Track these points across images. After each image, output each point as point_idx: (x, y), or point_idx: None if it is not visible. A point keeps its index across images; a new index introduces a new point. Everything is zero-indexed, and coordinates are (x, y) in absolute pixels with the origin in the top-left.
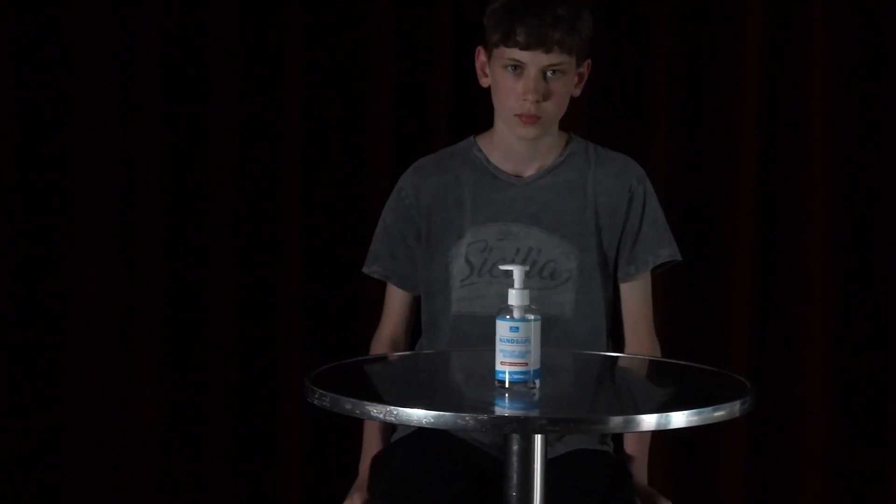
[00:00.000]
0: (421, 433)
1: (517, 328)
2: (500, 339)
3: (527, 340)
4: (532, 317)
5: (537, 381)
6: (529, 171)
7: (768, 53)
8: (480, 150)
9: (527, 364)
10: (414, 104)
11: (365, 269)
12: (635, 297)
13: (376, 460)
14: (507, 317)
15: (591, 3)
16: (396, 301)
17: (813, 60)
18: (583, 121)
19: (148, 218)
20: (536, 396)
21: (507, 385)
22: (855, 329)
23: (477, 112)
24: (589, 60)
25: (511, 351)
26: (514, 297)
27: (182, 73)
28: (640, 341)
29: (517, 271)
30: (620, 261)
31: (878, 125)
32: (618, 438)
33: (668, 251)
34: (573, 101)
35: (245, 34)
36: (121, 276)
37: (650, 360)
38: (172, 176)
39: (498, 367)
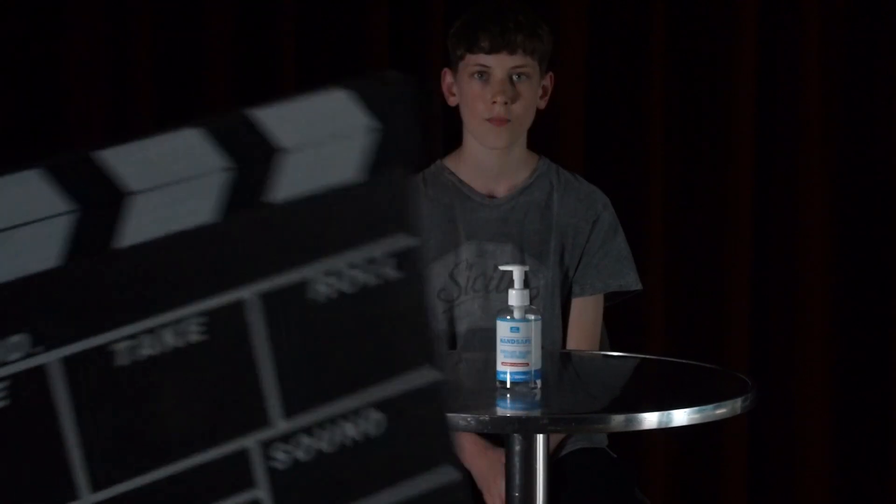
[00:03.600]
0: None
1: (518, 328)
2: (501, 340)
3: (527, 341)
4: (532, 317)
5: (538, 381)
6: (501, 191)
7: (763, 51)
8: (452, 173)
9: (528, 364)
10: None
11: None
12: (583, 316)
13: None
14: (508, 317)
15: (550, 21)
16: None
17: (808, 57)
18: (581, 120)
19: None
20: (538, 396)
21: (508, 385)
22: (855, 325)
23: None
24: (552, 73)
25: (512, 351)
26: (515, 297)
27: (178, 74)
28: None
29: (517, 271)
30: (576, 279)
31: (874, 121)
32: (618, 437)
33: (621, 283)
34: (573, 105)
35: (240, 34)
36: None
37: (650, 360)
38: None
39: (499, 367)
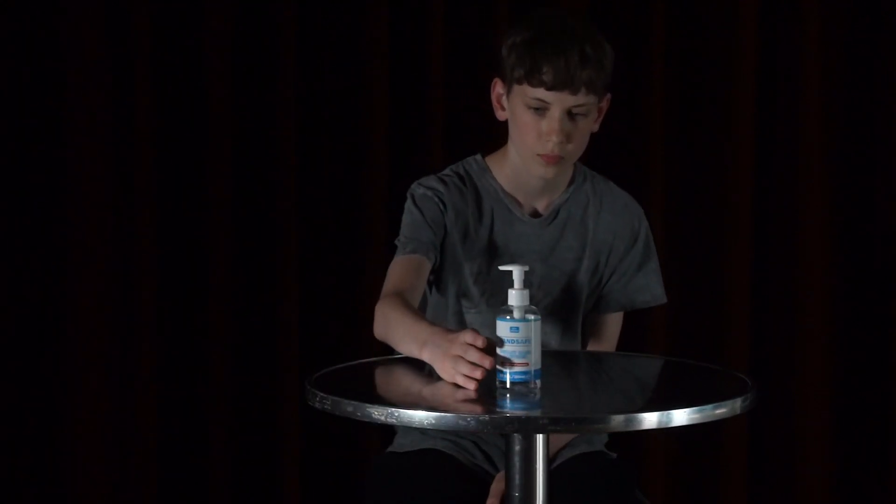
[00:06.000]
0: (418, 453)
1: (517, 328)
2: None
3: (527, 341)
4: (532, 317)
5: (538, 381)
6: (541, 205)
7: (763, 51)
8: (494, 178)
9: (528, 364)
10: (410, 105)
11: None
12: (607, 330)
13: (375, 468)
14: (508, 317)
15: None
16: (413, 268)
17: (808, 57)
18: None
19: (146, 222)
20: (537, 396)
21: (508, 385)
22: (855, 325)
23: (473, 111)
24: (609, 95)
25: (512, 351)
26: (515, 297)
27: (178, 74)
28: None
29: (517, 271)
30: (603, 295)
31: (874, 121)
32: (618, 437)
33: (647, 298)
34: None
35: (240, 35)
36: (119, 280)
37: (651, 359)
38: (170, 179)
39: (499, 367)
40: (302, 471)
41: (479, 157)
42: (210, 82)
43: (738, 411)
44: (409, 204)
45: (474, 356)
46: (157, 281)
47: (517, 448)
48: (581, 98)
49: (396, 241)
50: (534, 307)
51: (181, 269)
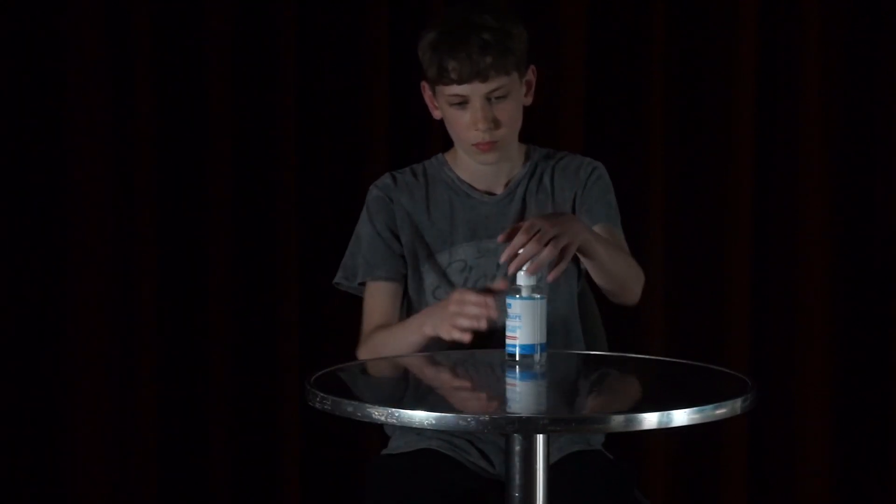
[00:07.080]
0: (417, 453)
1: (525, 306)
2: (510, 317)
3: (533, 317)
4: (538, 296)
5: (543, 355)
6: (499, 188)
7: (764, 51)
8: (451, 170)
9: (534, 339)
10: (410, 105)
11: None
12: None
13: (374, 469)
14: (516, 296)
15: (516, 12)
16: (389, 297)
17: (808, 57)
18: (581, 121)
19: (146, 222)
20: (542, 368)
21: (517, 358)
22: (855, 325)
23: None
24: (533, 66)
25: (520, 326)
26: (522, 277)
27: (178, 74)
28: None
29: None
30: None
31: (874, 121)
32: (616, 437)
33: (608, 213)
34: (573, 105)
35: (240, 35)
36: (119, 280)
37: (650, 360)
38: (170, 179)
39: (508, 341)
40: (302, 471)
41: (440, 155)
42: (210, 82)
43: (738, 411)
44: (363, 212)
45: (473, 309)
46: (157, 281)
47: (517, 448)
48: (494, 83)
49: (350, 250)
50: (540, 286)
51: (181, 269)
